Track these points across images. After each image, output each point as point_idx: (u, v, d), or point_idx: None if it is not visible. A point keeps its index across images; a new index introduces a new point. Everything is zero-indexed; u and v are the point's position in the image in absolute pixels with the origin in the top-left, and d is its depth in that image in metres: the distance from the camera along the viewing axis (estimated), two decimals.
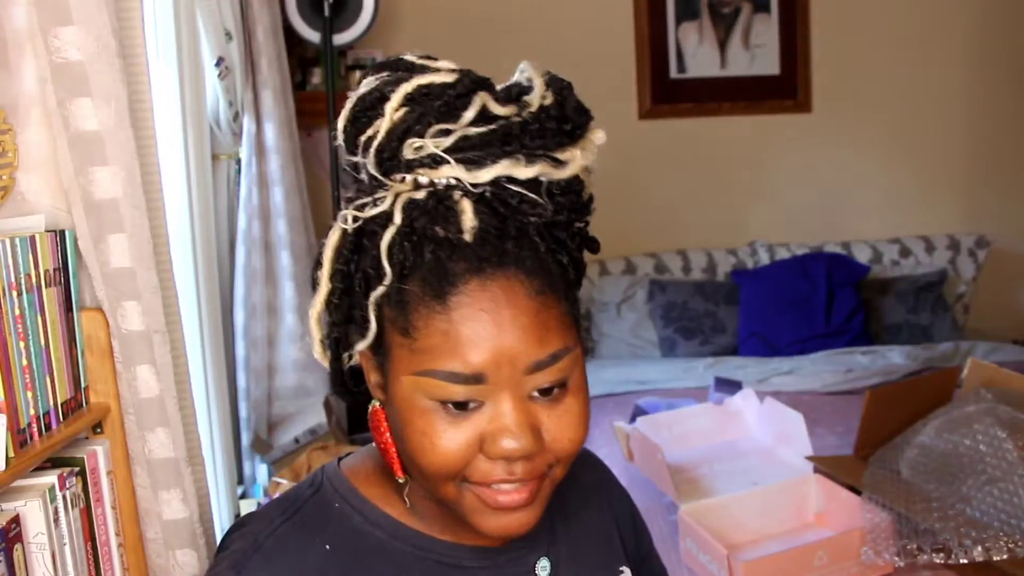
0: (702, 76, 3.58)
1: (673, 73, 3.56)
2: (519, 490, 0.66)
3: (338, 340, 0.71)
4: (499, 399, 0.64)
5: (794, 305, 3.28)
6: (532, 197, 0.65)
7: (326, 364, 0.73)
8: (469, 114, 0.64)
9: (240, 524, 0.76)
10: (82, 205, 1.18)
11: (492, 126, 0.65)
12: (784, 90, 3.62)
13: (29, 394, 1.10)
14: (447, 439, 0.64)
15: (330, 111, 2.77)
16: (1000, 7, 3.66)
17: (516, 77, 0.69)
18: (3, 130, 1.15)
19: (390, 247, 0.64)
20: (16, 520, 1.04)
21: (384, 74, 0.69)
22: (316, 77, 3.25)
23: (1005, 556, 1.51)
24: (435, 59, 0.70)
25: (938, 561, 1.54)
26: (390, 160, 0.66)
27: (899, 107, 3.66)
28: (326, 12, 2.79)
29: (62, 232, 1.20)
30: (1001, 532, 1.54)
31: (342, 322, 0.70)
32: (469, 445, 0.64)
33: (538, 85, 0.67)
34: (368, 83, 0.69)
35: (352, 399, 0.76)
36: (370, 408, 0.73)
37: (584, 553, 0.83)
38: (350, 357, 0.73)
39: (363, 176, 0.68)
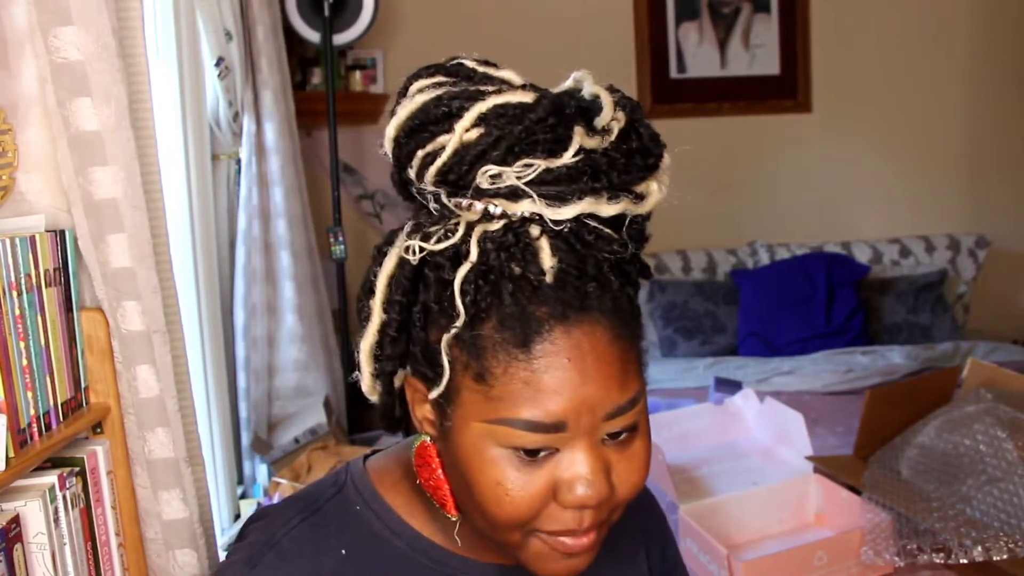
0: (702, 76, 3.58)
1: (673, 73, 3.56)
2: (588, 535, 0.64)
3: (392, 373, 0.67)
4: (575, 446, 0.61)
5: (794, 305, 3.28)
6: (608, 233, 0.62)
7: (375, 399, 0.69)
8: (569, 153, 0.60)
9: (259, 516, 0.75)
10: (82, 205, 1.19)
11: (580, 159, 0.60)
12: (784, 90, 3.62)
13: (29, 394, 1.10)
14: (522, 489, 0.61)
15: (330, 111, 2.77)
16: (1000, 7, 3.66)
17: (570, 85, 0.64)
18: (3, 130, 1.15)
19: (464, 285, 0.60)
20: (16, 520, 1.04)
21: (441, 79, 0.64)
22: (316, 77, 3.25)
23: (1005, 556, 1.51)
24: (496, 66, 0.66)
25: (938, 561, 1.54)
26: (456, 183, 0.61)
27: (899, 107, 3.66)
28: (326, 12, 2.79)
29: (62, 232, 1.20)
30: (1001, 532, 1.54)
31: (396, 356, 0.66)
32: (543, 494, 0.62)
33: (607, 105, 0.62)
34: (425, 90, 0.64)
35: (404, 433, 0.73)
36: (416, 444, 0.69)
37: (605, 574, 0.80)
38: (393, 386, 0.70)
39: (429, 200, 0.63)
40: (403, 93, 0.65)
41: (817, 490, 1.81)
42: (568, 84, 0.64)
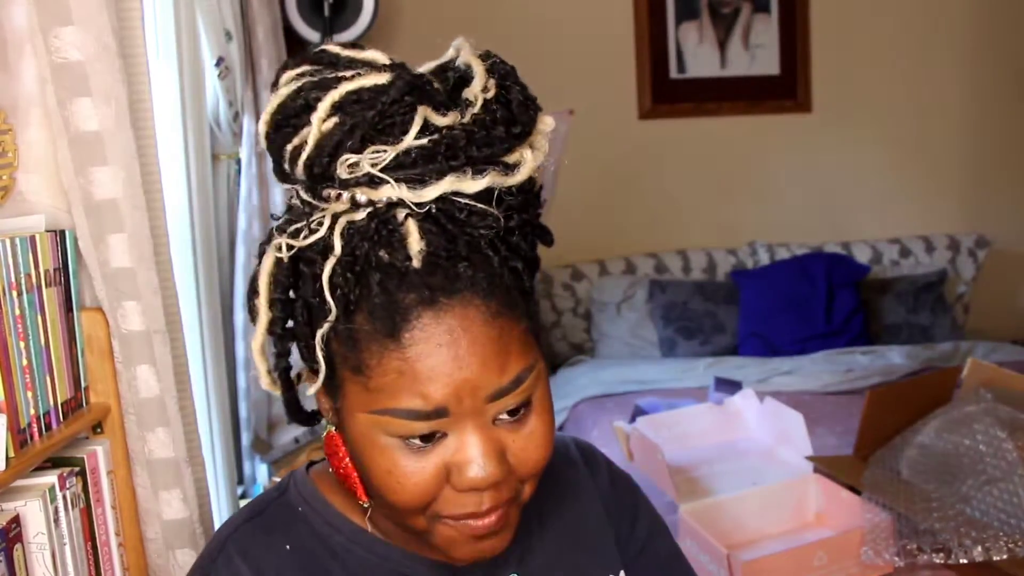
0: (702, 76, 3.58)
1: (673, 73, 3.56)
2: (490, 516, 0.63)
3: (287, 369, 0.68)
4: (462, 429, 0.61)
5: (794, 305, 3.28)
6: (482, 208, 0.60)
7: (278, 393, 0.69)
8: (410, 135, 0.58)
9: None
10: (82, 205, 1.19)
11: (434, 138, 0.59)
12: (784, 90, 3.61)
13: (29, 394, 1.10)
14: (413, 475, 0.61)
15: None
16: (1000, 7, 3.66)
17: (450, 54, 0.63)
18: (3, 130, 1.15)
19: (332, 279, 0.59)
20: (16, 520, 1.04)
21: (305, 69, 0.63)
22: None
23: (1005, 556, 1.51)
24: (362, 48, 0.64)
25: (938, 561, 1.54)
26: (322, 176, 0.60)
27: (899, 107, 3.66)
28: (326, 12, 2.79)
29: (62, 232, 1.20)
30: (1001, 532, 1.54)
31: (287, 353, 0.66)
32: (436, 478, 0.61)
33: (479, 74, 0.61)
34: (289, 83, 0.63)
35: (314, 424, 0.74)
36: (324, 433, 0.70)
37: (564, 562, 0.78)
38: (299, 378, 0.69)
39: (294, 196, 0.63)
40: (274, 86, 0.64)
41: (817, 490, 1.81)
42: (449, 54, 0.63)
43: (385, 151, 0.58)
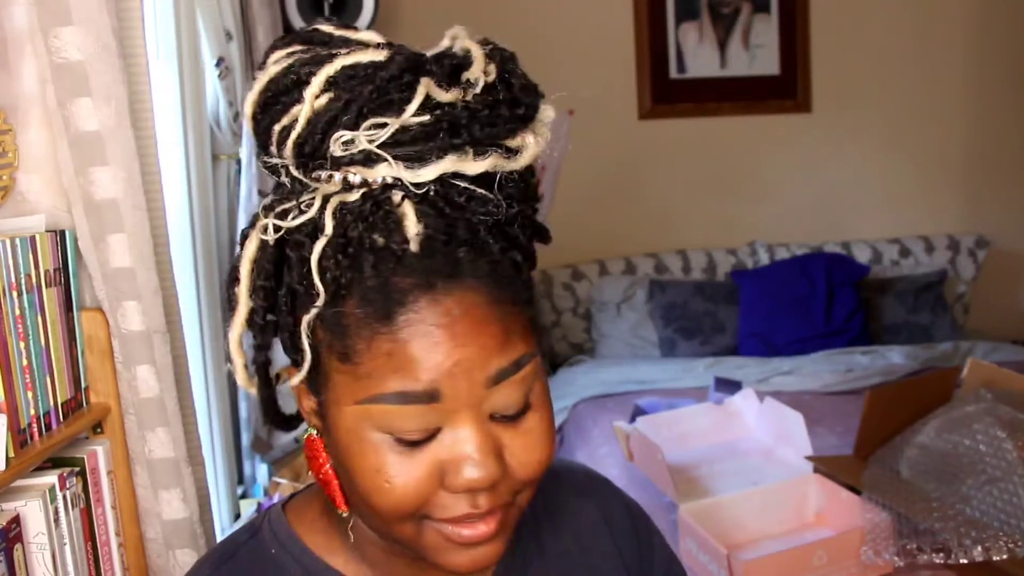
0: (702, 76, 3.58)
1: (673, 73, 3.56)
2: (485, 521, 0.58)
3: (266, 364, 0.63)
4: (456, 421, 0.56)
5: (794, 305, 3.28)
6: (482, 193, 0.57)
7: (253, 391, 0.65)
8: (412, 106, 0.55)
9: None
10: (82, 205, 1.19)
11: (435, 115, 0.56)
12: (784, 90, 3.62)
13: (29, 394, 1.10)
14: (403, 475, 0.56)
15: None
16: (1000, 7, 3.66)
17: (446, 43, 0.61)
18: (3, 130, 1.15)
19: (321, 262, 0.55)
20: (16, 520, 1.04)
21: (296, 48, 0.60)
22: None
23: (1005, 556, 1.51)
24: (356, 29, 0.62)
25: (938, 561, 1.54)
26: (312, 155, 0.57)
27: (899, 107, 3.66)
28: (326, 12, 2.79)
29: (62, 232, 1.20)
30: (1001, 532, 1.54)
31: (268, 345, 0.62)
32: (428, 479, 0.56)
33: (478, 58, 0.59)
34: (279, 61, 0.59)
35: (290, 429, 0.69)
36: (305, 437, 0.65)
37: None
38: (278, 378, 0.65)
39: (282, 175, 0.59)
40: (262, 67, 0.61)
41: (817, 490, 1.81)
42: (444, 43, 0.61)
43: (386, 123, 0.55)
